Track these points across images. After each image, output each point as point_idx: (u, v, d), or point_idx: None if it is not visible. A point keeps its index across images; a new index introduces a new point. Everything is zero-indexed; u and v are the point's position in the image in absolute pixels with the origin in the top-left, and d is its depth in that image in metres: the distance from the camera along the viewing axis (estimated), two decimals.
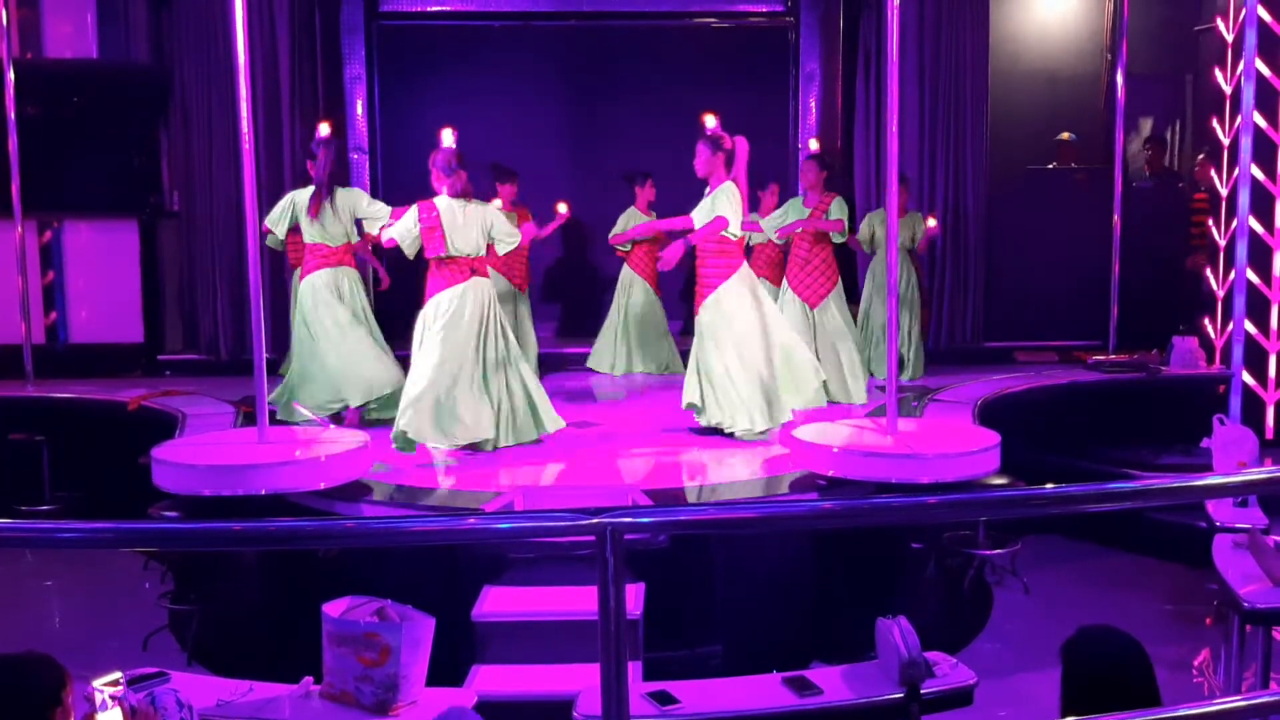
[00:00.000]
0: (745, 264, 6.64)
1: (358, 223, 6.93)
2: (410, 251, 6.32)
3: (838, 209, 7.68)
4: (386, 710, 3.55)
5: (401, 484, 5.83)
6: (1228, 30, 8.09)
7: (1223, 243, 8.15)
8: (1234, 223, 7.90)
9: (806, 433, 5.89)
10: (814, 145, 7.77)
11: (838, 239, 7.87)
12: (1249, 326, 7.85)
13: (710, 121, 6.57)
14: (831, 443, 5.67)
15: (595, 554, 2.39)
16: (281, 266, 8.90)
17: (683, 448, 6.62)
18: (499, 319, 6.41)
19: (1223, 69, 8.15)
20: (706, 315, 6.57)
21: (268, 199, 8.42)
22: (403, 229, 6.29)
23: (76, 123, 8.76)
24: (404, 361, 6.68)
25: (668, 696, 3.71)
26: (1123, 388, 8.12)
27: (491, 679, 4.58)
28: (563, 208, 8.55)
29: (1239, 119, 7.83)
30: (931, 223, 8.34)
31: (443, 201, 6.28)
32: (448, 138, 6.38)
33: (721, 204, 6.42)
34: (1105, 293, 8.82)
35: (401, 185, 9.15)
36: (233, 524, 2.62)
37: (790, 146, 9.92)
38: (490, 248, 6.39)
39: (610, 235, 8.98)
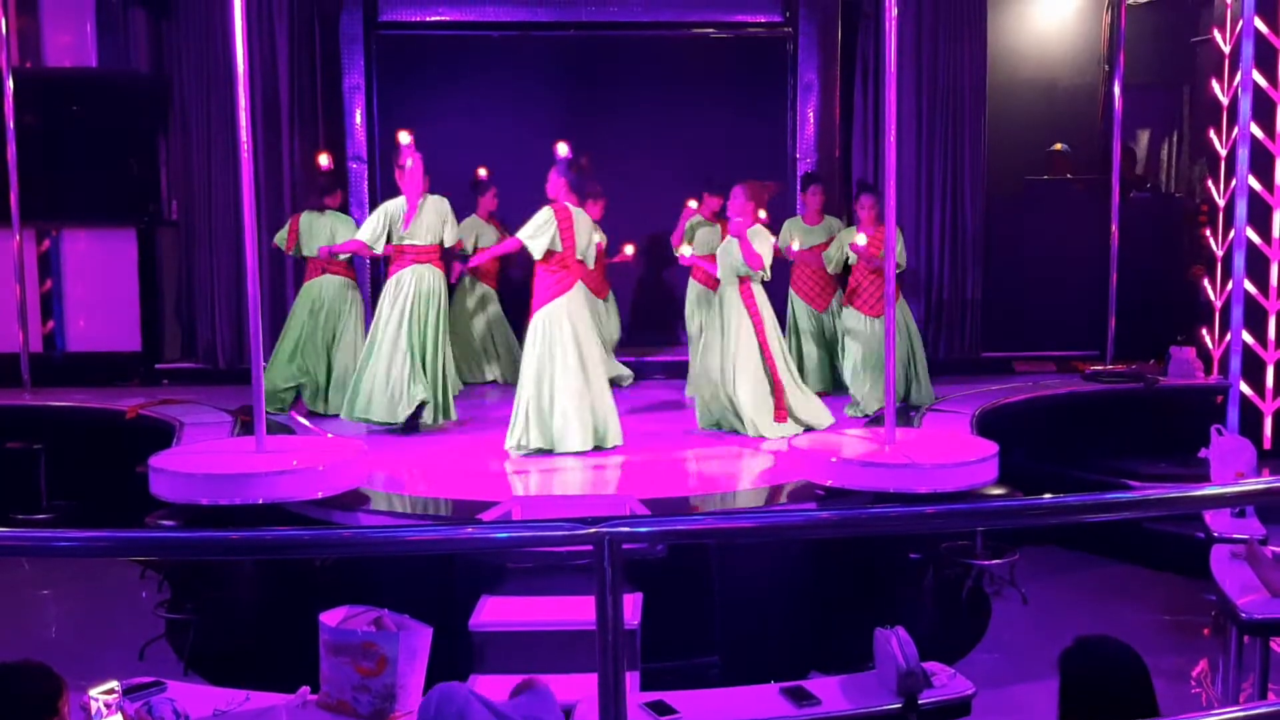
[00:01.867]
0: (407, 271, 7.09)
1: None
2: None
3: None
4: None
5: (398, 493, 5.83)
6: (1225, 41, 8.11)
7: (1220, 253, 8.16)
8: (1231, 233, 7.92)
9: (805, 442, 5.89)
10: (562, 150, 6.76)
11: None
12: (1246, 337, 7.86)
13: (404, 139, 7.16)
14: (830, 452, 5.67)
15: (593, 563, 2.39)
16: (279, 275, 8.91)
17: (681, 457, 6.62)
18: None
19: (1219, 80, 8.17)
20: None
21: (266, 208, 8.45)
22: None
23: (75, 131, 8.77)
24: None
25: (665, 707, 3.71)
26: (1120, 398, 8.11)
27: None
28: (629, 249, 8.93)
29: (1236, 130, 7.85)
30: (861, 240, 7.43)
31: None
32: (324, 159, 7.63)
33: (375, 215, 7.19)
34: (1103, 303, 8.81)
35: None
36: (230, 533, 2.62)
37: (788, 156, 9.91)
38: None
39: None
